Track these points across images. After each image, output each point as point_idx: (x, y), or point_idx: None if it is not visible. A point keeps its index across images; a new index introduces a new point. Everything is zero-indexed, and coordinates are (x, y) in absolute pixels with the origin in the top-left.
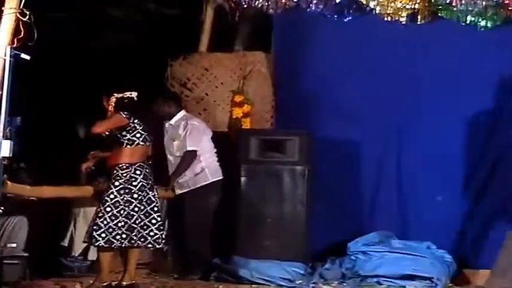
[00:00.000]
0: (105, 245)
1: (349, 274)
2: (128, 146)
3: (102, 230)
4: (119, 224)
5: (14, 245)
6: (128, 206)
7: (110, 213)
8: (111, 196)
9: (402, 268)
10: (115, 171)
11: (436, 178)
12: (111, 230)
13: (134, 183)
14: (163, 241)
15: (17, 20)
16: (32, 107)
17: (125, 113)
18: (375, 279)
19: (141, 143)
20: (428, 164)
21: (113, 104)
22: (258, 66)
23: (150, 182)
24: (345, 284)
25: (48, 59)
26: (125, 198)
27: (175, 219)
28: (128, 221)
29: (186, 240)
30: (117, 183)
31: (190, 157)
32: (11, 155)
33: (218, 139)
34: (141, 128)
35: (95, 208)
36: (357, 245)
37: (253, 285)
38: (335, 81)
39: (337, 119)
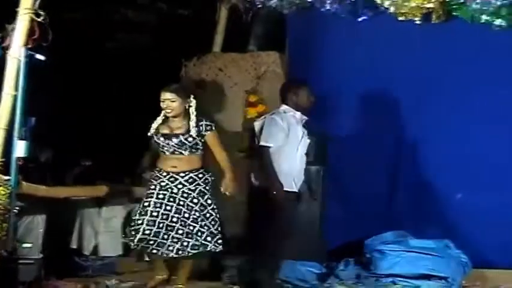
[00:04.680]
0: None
1: (364, 273)
2: None
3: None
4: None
5: (30, 245)
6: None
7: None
8: None
9: (418, 267)
10: None
11: (453, 176)
12: None
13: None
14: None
15: (32, 21)
16: (46, 108)
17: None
18: (390, 279)
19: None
20: (445, 162)
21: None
22: (273, 66)
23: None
24: (360, 284)
25: (62, 60)
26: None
27: None
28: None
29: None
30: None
31: None
32: (26, 155)
33: (232, 139)
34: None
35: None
36: (373, 243)
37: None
38: (349, 81)
39: (351, 119)
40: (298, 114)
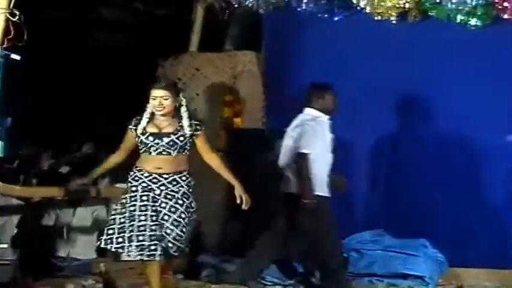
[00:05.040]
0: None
1: None
2: None
3: None
4: None
5: (5, 245)
6: None
7: None
8: None
9: (394, 267)
10: None
11: (430, 176)
12: None
13: None
14: None
15: (7, 21)
16: (24, 107)
17: None
18: (367, 278)
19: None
20: (421, 163)
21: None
22: (249, 65)
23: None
24: None
25: (38, 60)
26: None
27: None
28: None
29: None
30: None
31: None
32: (1, 155)
33: (209, 138)
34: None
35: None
36: (350, 243)
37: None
38: (325, 80)
39: None
40: (326, 118)
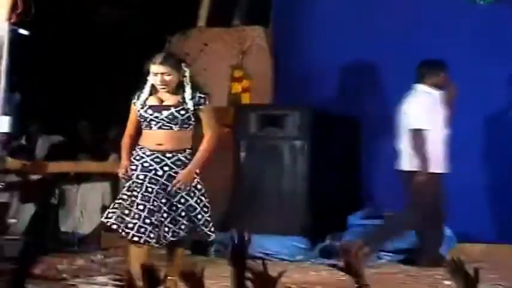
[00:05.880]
0: None
1: None
2: None
3: None
4: None
5: (15, 220)
6: None
7: None
8: None
9: (402, 242)
10: None
11: None
12: None
13: None
14: None
15: None
16: (31, 83)
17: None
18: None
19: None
20: None
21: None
22: (257, 40)
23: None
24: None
25: (45, 35)
26: None
27: None
28: None
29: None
30: None
31: None
32: (9, 130)
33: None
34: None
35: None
36: (356, 219)
37: (257, 260)
38: (334, 54)
39: (337, 92)
40: (438, 94)
